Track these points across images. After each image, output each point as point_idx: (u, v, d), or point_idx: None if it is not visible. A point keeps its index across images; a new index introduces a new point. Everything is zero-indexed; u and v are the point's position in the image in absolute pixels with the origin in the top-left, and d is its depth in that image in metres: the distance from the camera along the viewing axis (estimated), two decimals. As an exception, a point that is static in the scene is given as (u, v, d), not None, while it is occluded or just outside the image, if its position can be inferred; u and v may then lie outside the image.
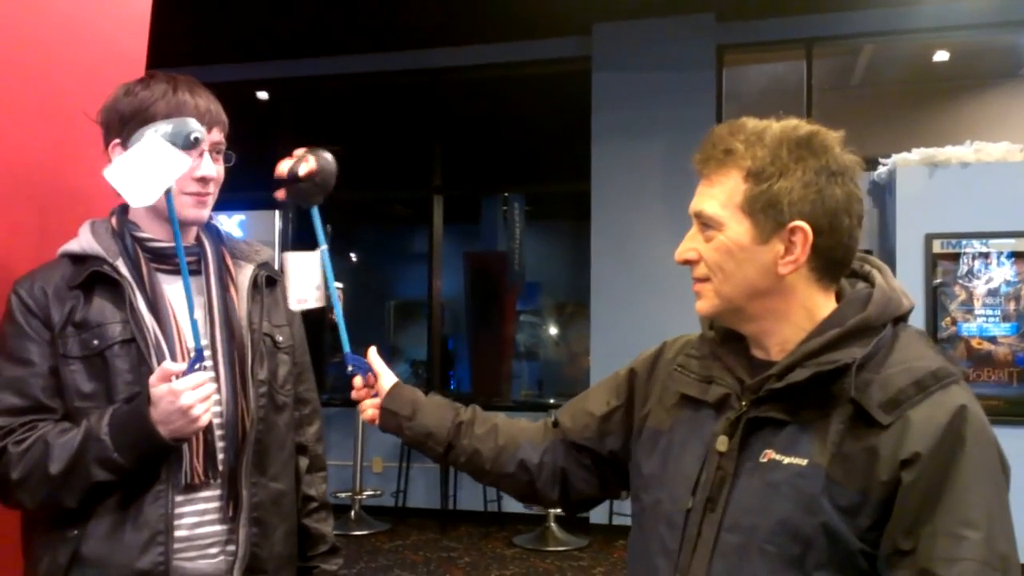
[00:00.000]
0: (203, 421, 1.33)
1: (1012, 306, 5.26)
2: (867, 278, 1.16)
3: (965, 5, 5.84)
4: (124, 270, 1.43)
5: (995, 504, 1.01)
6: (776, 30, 6.30)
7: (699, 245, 1.14)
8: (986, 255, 5.30)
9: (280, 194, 1.43)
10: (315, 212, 1.46)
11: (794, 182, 1.08)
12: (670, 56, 6.27)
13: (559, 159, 7.02)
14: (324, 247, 1.46)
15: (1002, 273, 5.28)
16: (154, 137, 1.32)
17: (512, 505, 6.27)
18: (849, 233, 1.11)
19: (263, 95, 7.45)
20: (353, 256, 9.75)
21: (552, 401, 6.51)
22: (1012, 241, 5.35)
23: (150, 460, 1.36)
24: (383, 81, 7.26)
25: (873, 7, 5.95)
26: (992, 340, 5.15)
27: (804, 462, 1.05)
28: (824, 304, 1.13)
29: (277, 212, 7.05)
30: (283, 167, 1.42)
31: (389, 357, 8.64)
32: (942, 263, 5.25)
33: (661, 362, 1.32)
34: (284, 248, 7.06)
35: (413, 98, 7.31)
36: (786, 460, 1.06)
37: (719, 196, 1.11)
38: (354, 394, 1.43)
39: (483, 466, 1.39)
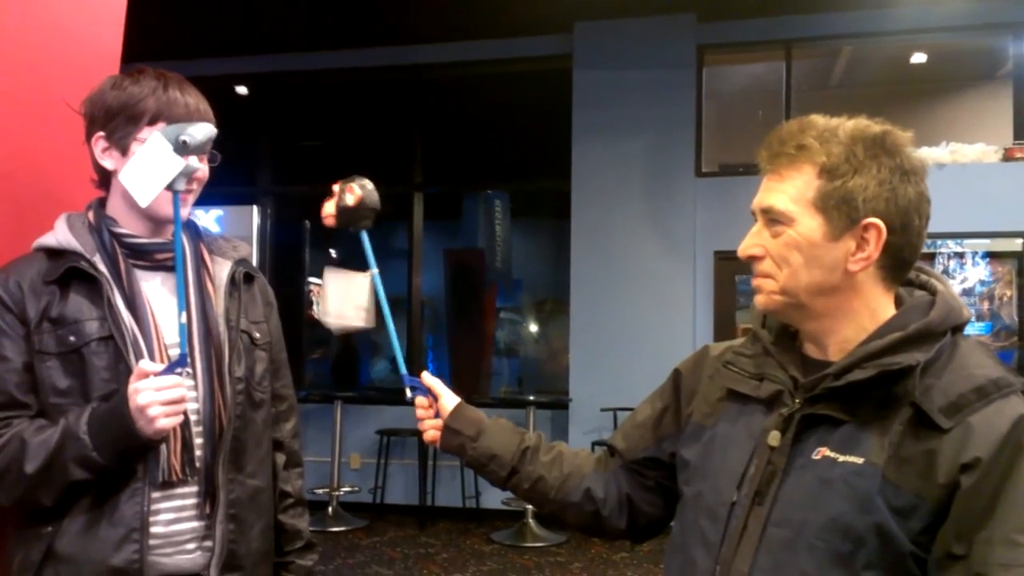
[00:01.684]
0: (161, 424, 1.30)
1: (986, 305, 5.33)
2: (925, 287, 1.17)
3: (943, 8, 5.90)
4: (101, 266, 1.41)
5: None
6: (756, 31, 6.33)
7: (765, 241, 1.14)
8: (961, 255, 5.37)
9: (330, 220, 1.43)
10: (364, 236, 1.45)
11: (869, 180, 1.08)
12: (650, 55, 6.29)
13: (539, 157, 7.03)
14: (375, 271, 1.46)
15: (977, 273, 5.35)
16: (156, 137, 1.33)
17: (491, 501, 6.28)
18: (918, 233, 1.12)
19: (242, 90, 7.40)
20: (333, 252, 9.71)
21: (532, 398, 6.50)
22: (987, 241, 5.42)
23: (129, 459, 1.35)
24: (364, 77, 7.23)
25: (851, 9, 6.00)
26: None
27: (860, 461, 1.05)
28: (886, 306, 1.14)
29: (255, 207, 7.02)
30: (330, 206, 1.43)
31: (369, 354, 8.65)
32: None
33: (706, 361, 1.32)
34: (262, 243, 7.02)
35: (394, 94, 7.29)
36: (842, 458, 1.07)
37: (790, 191, 1.11)
38: (418, 413, 1.43)
39: (547, 494, 1.37)
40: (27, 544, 1.37)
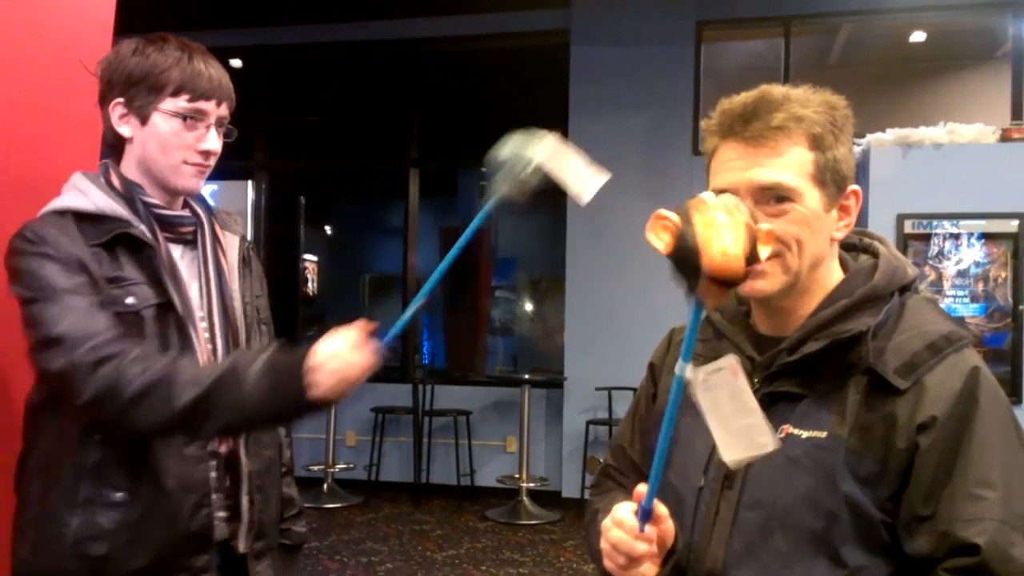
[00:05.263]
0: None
1: (980, 287, 5.33)
2: (868, 250, 1.17)
3: (942, -14, 5.86)
4: (148, 234, 1.39)
5: (1012, 462, 1.01)
6: (754, 7, 6.29)
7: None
8: (956, 236, 5.36)
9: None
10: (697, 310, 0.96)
11: (845, 149, 1.10)
12: (649, 31, 6.24)
13: (536, 134, 6.98)
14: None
15: (972, 254, 5.34)
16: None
17: (485, 479, 6.31)
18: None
19: (236, 63, 7.33)
20: (328, 229, 9.67)
21: (527, 377, 6.50)
22: (982, 222, 5.40)
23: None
24: (360, 51, 7.17)
25: (851, -14, 5.96)
26: (961, 321, 5.23)
27: (823, 434, 1.04)
28: (837, 273, 1.14)
29: (249, 182, 6.97)
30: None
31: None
32: (913, 244, 5.30)
33: (672, 342, 1.32)
34: (256, 218, 6.98)
35: (390, 69, 7.23)
36: (805, 434, 1.05)
37: (791, 167, 1.07)
38: (639, 547, 1.04)
39: None
40: (98, 512, 1.33)
